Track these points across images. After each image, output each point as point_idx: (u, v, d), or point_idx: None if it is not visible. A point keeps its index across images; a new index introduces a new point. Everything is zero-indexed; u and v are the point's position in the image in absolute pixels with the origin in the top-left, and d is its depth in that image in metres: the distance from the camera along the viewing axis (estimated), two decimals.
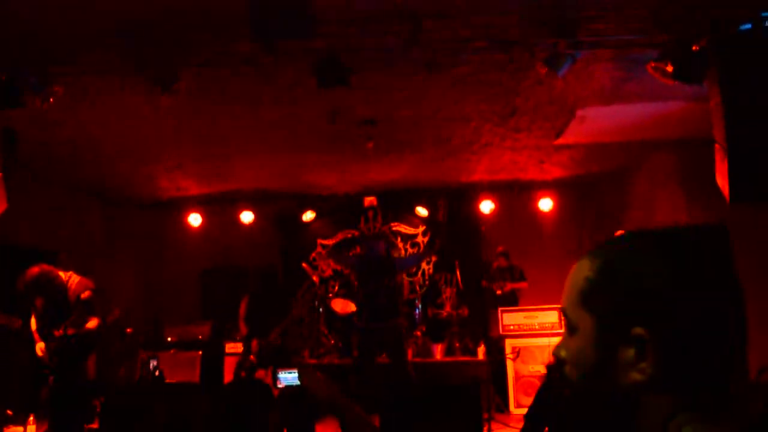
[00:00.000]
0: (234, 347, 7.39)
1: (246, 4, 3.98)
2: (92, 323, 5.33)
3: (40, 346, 5.34)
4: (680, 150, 7.00)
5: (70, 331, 5.11)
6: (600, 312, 0.87)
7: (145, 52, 4.58)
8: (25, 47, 4.45)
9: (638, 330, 0.82)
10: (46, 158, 7.10)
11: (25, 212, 6.98)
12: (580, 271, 0.91)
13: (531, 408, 3.53)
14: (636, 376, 0.83)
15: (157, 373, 3.56)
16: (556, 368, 0.93)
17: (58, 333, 5.11)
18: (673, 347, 0.81)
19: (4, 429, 5.38)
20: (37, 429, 5.03)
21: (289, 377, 2.26)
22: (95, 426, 3.26)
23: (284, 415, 2.57)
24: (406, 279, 6.18)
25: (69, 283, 5.29)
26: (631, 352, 0.83)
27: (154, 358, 3.78)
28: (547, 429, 3.32)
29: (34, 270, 5.13)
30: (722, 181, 4.56)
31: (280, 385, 2.35)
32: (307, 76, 4.79)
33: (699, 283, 0.83)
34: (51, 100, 4.90)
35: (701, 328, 0.81)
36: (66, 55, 4.63)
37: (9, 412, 5.51)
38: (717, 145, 4.59)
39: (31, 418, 5.14)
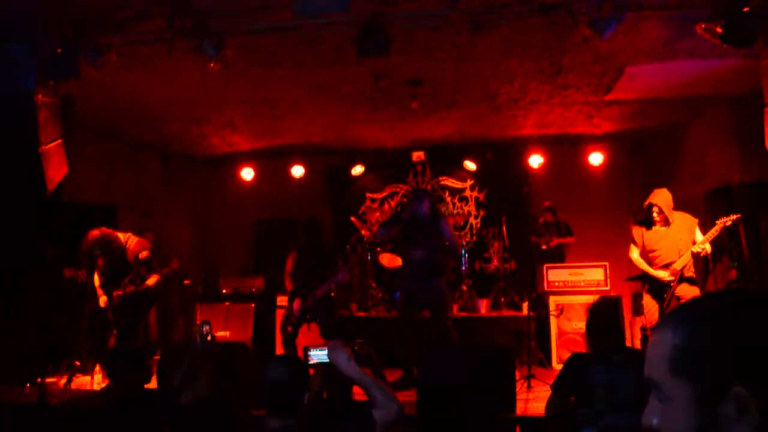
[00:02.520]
0: (285, 300, 7.68)
1: None
2: (151, 280, 5.71)
3: (103, 299, 5.75)
4: (735, 106, 6.77)
5: (130, 289, 5.47)
6: (695, 377, 0.89)
7: (191, 22, 4.70)
8: (77, 19, 4.63)
9: (739, 388, 0.86)
10: (105, 118, 7.38)
11: (86, 170, 7.34)
12: (665, 338, 0.94)
13: (558, 378, 3.64)
14: (743, 428, 0.86)
15: (209, 338, 3.76)
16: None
17: (118, 293, 5.49)
18: None
19: (73, 378, 5.83)
20: (103, 378, 5.46)
21: (320, 354, 2.41)
22: (153, 386, 3.54)
23: (321, 386, 2.76)
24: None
25: (127, 245, 5.63)
26: (732, 408, 0.87)
27: (206, 323, 3.99)
28: (573, 398, 3.44)
29: (95, 233, 5.47)
30: None
31: (311, 362, 2.50)
32: (350, 42, 4.84)
33: None
34: (105, 67, 5.12)
35: None
36: (116, 24, 4.79)
37: (77, 362, 5.96)
38: (766, 109, 4.47)
39: (98, 367, 5.56)
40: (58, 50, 4.84)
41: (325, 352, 2.47)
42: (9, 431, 4.41)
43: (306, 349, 2.53)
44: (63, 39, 4.80)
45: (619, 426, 2.99)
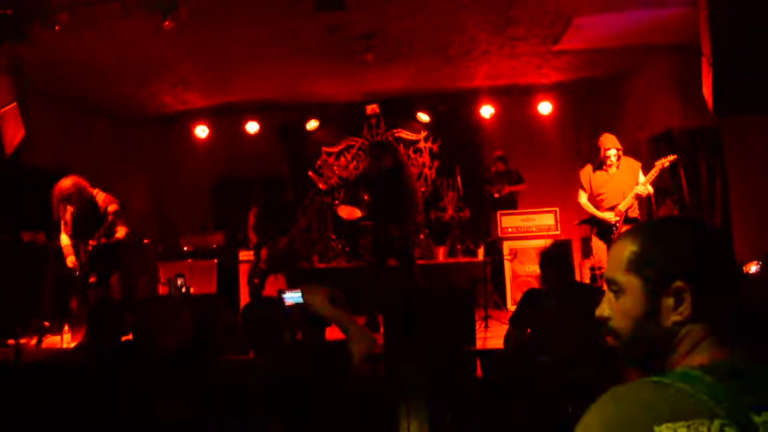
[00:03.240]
0: (248, 255, 7.77)
1: None
2: (121, 232, 5.76)
3: (71, 259, 5.75)
4: (677, 55, 7.05)
5: (103, 240, 5.53)
6: (646, 275, 1.17)
7: None
8: None
9: (678, 284, 1.12)
10: (56, 80, 7.25)
11: (37, 134, 7.20)
12: (624, 246, 1.21)
13: (515, 313, 3.92)
14: (676, 317, 1.13)
15: (184, 289, 3.90)
16: (599, 326, 1.24)
17: (92, 242, 5.52)
18: (704, 292, 1.12)
19: (43, 338, 5.88)
20: (72, 337, 5.54)
21: (294, 296, 2.54)
22: (130, 338, 3.67)
23: (296, 327, 2.94)
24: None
25: (97, 198, 5.67)
26: (670, 301, 1.13)
27: (180, 276, 4.12)
28: (529, 330, 3.72)
29: (67, 181, 5.48)
30: (708, 94, 4.72)
31: (286, 304, 2.64)
32: None
33: (716, 248, 1.17)
34: (56, 28, 5.05)
35: (722, 277, 1.15)
36: None
37: (46, 323, 6.00)
38: (704, 58, 4.71)
39: (66, 327, 5.62)
40: (7, 11, 4.76)
41: (299, 294, 2.64)
42: None
43: (280, 293, 2.68)
44: (11, 0, 4.72)
45: (570, 353, 3.28)
